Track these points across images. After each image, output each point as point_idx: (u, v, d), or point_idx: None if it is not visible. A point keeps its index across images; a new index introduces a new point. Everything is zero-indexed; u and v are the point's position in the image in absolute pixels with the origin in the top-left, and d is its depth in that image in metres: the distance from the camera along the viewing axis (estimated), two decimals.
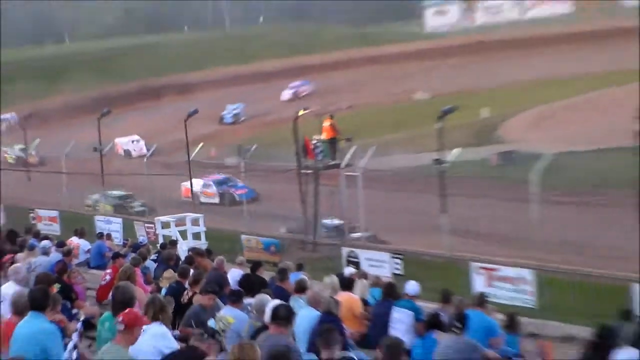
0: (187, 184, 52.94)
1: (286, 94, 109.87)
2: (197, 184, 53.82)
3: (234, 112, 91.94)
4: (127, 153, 74.50)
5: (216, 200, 53.17)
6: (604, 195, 41.51)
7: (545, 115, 78.54)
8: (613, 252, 33.55)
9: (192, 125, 53.05)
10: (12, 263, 18.54)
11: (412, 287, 17.64)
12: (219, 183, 54.02)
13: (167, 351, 10.63)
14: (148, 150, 61.56)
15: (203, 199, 54.23)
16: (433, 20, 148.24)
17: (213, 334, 10.69)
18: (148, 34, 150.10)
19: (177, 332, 12.84)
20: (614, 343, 13.74)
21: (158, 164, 59.34)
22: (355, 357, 9.54)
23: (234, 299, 14.86)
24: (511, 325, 17.21)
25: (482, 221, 40.58)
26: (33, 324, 11.23)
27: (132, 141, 77.42)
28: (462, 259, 32.27)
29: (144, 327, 10.78)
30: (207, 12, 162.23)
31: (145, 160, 56.04)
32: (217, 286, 16.29)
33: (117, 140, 68.79)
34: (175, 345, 10.86)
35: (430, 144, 45.47)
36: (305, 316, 14.06)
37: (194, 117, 53.19)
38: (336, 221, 39.80)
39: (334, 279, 18.64)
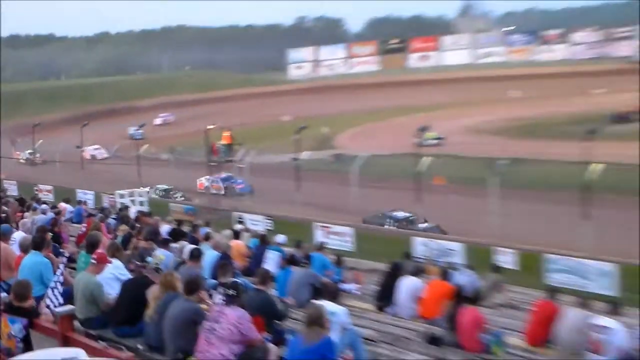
0: (201, 179, 49.53)
1: (158, 120, 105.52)
2: (208, 179, 49.86)
3: (138, 131, 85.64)
4: (93, 157, 70.42)
5: (222, 192, 47.66)
6: (397, 182, 42.01)
7: (362, 132, 79.94)
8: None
9: None
10: (22, 218, 18.26)
11: (281, 238, 17.78)
12: (224, 180, 49.17)
13: (123, 278, 10.37)
14: (108, 153, 59.18)
15: (212, 191, 48.38)
16: (294, 71, 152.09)
17: (157, 269, 10.43)
18: (115, 75, 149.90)
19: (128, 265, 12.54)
20: (400, 273, 14.01)
21: (120, 158, 58.11)
22: (240, 282, 9.45)
23: (164, 244, 14.68)
24: (338, 262, 17.39)
25: (321, 197, 40.70)
26: (34, 258, 11.07)
27: (95, 149, 73.13)
28: (309, 220, 32.34)
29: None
30: (152, 61, 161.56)
31: (111, 156, 54.67)
32: (154, 235, 16.06)
33: (84, 148, 64.86)
34: (128, 275, 10.60)
35: (290, 148, 45.54)
36: (210, 255, 13.97)
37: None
38: (402, 213, 35.63)
39: (228, 232, 18.56)
